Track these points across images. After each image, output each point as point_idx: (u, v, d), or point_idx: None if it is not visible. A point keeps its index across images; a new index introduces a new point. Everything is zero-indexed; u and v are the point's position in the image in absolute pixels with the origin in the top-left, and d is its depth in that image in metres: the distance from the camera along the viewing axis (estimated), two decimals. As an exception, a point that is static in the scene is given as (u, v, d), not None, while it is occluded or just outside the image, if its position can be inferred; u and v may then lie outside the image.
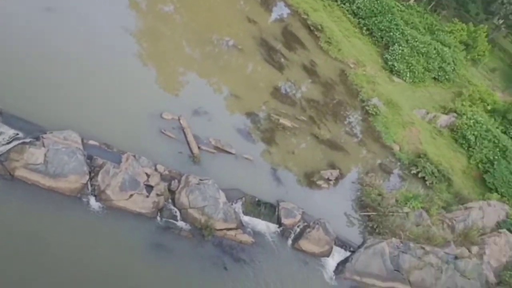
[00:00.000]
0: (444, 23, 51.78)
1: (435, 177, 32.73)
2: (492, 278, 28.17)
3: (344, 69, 39.81)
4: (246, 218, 22.88)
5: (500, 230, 30.23)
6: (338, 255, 24.79)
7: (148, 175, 20.34)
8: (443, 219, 29.27)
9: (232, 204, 22.43)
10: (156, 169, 21.06)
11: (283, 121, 30.02)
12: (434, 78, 45.07)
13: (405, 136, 35.81)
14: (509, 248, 29.51)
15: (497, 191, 34.54)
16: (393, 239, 26.00)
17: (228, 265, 20.55)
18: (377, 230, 26.64)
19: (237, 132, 27.34)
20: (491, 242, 29.09)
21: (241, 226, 22.27)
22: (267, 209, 23.75)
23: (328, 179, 27.90)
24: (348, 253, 24.97)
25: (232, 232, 21.67)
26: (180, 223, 20.75)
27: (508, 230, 30.43)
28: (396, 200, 28.22)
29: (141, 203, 19.65)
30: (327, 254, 24.23)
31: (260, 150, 27.23)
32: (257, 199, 23.58)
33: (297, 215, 24.04)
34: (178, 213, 20.88)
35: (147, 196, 19.79)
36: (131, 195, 19.48)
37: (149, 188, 20.05)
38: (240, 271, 20.73)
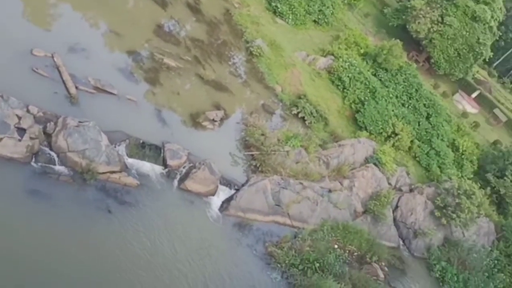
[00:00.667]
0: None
1: (314, 117, 34.57)
2: (359, 208, 31.41)
3: (228, 8, 39.32)
4: (130, 161, 22.44)
5: (367, 165, 33.41)
6: (223, 193, 25.65)
7: (19, 117, 18.76)
8: (319, 156, 31.44)
9: (115, 147, 21.75)
10: (28, 111, 19.48)
11: (167, 60, 29.16)
12: (315, 21, 46.58)
13: (287, 77, 36.98)
14: (374, 180, 32.86)
15: (366, 129, 37.65)
16: (275, 176, 27.48)
17: (112, 208, 20.18)
18: (260, 169, 27.83)
19: (119, 71, 26.03)
20: (359, 175, 32.12)
21: (125, 168, 21.81)
22: (152, 151, 23.45)
23: (213, 120, 28.12)
24: (233, 192, 25.90)
25: (116, 175, 21.16)
26: (59, 168, 19.71)
27: (374, 164, 33.74)
28: (278, 140, 29.50)
29: (13, 147, 18.21)
30: (213, 193, 24.89)
31: (144, 91, 26.36)
32: (141, 141, 23.10)
33: (183, 156, 24.11)
34: (55, 157, 19.76)
35: (19, 140, 18.34)
36: (0, 139, 17.86)
37: (22, 131, 18.58)
38: (125, 214, 20.50)
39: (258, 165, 27.91)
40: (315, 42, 44.31)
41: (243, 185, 26.31)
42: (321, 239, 26.50)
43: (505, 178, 39.18)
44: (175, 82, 28.68)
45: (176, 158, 23.85)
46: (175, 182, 23.80)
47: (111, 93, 23.86)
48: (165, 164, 23.58)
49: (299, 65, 39.20)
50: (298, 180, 28.37)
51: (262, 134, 29.13)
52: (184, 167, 24.13)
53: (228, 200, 25.41)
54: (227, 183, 25.91)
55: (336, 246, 27.18)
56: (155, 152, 23.53)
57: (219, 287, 21.26)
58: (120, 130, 22.60)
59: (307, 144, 31.05)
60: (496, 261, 34.65)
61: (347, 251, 27.67)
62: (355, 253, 28.24)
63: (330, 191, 29.80)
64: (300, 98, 35.55)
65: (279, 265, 24.10)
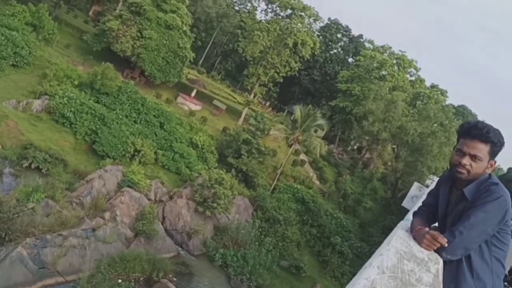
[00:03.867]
0: (3, 7, 48.98)
1: (49, 163, 32.17)
2: (129, 233, 30.86)
3: None
4: None
5: (122, 190, 33.00)
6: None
7: None
8: (70, 199, 29.52)
9: None
10: None
11: None
12: (13, 65, 42.87)
13: (3, 131, 33.21)
14: (134, 202, 32.73)
15: (109, 156, 37.10)
16: (28, 239, 24.55)
17: None
18: (7, 238, 24.45)
19: None
20: (118, 203, 31.49)
21: None
22: None
23: None
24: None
25: None
26: None
27: (129, 186, 33.58)
28: (17, 200, 26.42)
29: None
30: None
31: None
32: None
33: None
34: None
35: None
36: None
37: None
38: None
39: (3, 235, 24.45)
40: (22, 86, 40.84)
41: (-7, 264, 22.69)
42: (101, 281, 25.09)
43: (242, 157, 44.27)
44: None
45: None
46: None
47: None
48: None
49: (13, 114, 35.62)
50: (56, 233, 26.05)
51: (-4, 201, 25.58)
52: None
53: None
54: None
55: (120, 281, 26.15)
56: None
57: None
58: None
59: (52, 192, 28.72)
60: (260, 229, 39.11)
61: (133, 280, 26.99)
62: (141, 278, 27.77)
63: (94, 230, 28.33)
64: (26, 148, 32.50)
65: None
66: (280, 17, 69.61)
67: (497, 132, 3.02)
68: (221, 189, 35.67)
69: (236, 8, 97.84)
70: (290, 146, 50.68)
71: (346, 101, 70.90)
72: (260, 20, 74.12)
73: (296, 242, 40.57)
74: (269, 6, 72.98)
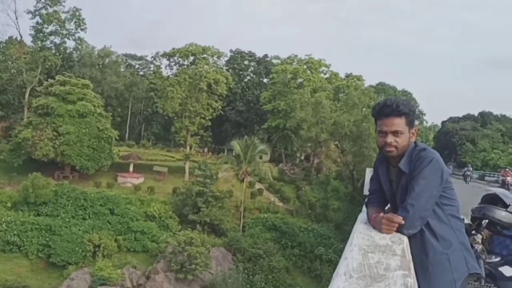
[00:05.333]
0: None
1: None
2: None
3: None
4: None
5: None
6: None
7: None
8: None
9: None
10: None
11: None
12: None
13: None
14: None
15: (70, 263, 35.49)
16: None
17: None
18: None
19: None
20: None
21: None
22: None
23: None
24: None
25: None
26: None
27: (101, 284, 32.11)
28: None
29: None
30: None
31: None
32: None
33: None
34: None
35: None
36: None
37: None
38: None
39: None
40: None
41: None
42: None
43: (201, 209, 43.59)
44: None
45: None
46: None
47: None
48: None
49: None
50: None
51: None
52: None
53: None
54: None
55: None
56: None
57: None
58: None
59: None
60: (246, 271, 38.43)
61: None
62: None
63: None
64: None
65: None
66: (185, 66, 70.34)
67: (406, 103, 3.18)
68: (193, 249, 34.88)
69: (141, 73, 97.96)
70: (242, 181, 50.60)
71: (277, 119, 72.13)
72: (168, 76, 74.52)
73: (284, 269, 40.17)
74: (171, 59, 73.65)
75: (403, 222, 2.89)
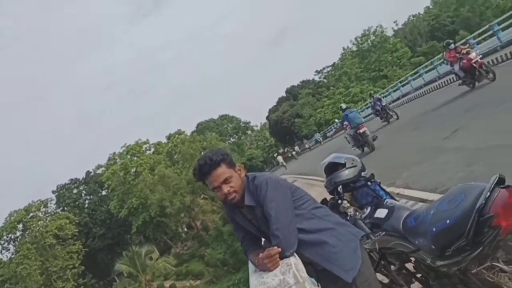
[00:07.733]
0: None
1: None
2: None
3: None
4: None
5: None
6: None
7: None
8: None
9: None
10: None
11: None
12: None
13: None
14: None
15: None
16: None
17: None
18: None
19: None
20: None
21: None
22: None
23: None
24: None
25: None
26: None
27: None
28: None
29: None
30: None
31: None
32: None
33: None
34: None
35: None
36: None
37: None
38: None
39: None
40: None
41: None
42: None
43: None
44: None
45: None
46: None
47: None
48: None
49: None
50: None
51: None
52: None
53: None
54: None
55: None
56: None
57: None
58: None
59: None
60: None
61: None
62: None
63: None
64: None
65: None
66: (20, 237, 63.89)
67: (215, 152, 3.20)
68: None
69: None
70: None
71: (139, 216, 68.92)
72: (11, 258, 66.69)
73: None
74: (0, 241, 66.13)
75: (280, 249, 2.91)
